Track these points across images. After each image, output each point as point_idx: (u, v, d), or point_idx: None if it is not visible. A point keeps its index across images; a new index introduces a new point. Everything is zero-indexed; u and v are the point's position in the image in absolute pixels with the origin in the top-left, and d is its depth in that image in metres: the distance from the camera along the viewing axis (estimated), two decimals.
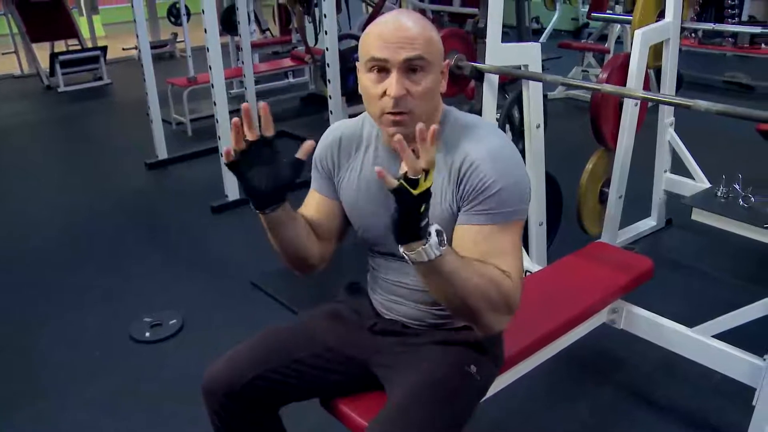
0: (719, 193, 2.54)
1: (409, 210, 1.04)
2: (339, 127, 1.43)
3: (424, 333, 1.41)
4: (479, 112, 2.45)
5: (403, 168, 1.03)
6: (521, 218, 1.25)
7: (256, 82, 5.16)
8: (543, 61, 2.53)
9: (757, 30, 5.31)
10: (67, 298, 2.88)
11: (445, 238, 1.09)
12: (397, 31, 1.18)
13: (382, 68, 1.19)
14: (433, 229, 1.07)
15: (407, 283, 1.38)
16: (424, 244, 1.06)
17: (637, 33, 2.60)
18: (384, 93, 1.19)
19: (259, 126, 1.17)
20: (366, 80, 1.22)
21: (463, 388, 1.32)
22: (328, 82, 3.64)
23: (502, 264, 1.19)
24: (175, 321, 2.62)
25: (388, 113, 1.20)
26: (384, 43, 1.18)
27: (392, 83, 1.18)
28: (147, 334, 2.56)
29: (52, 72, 6.87)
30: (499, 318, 1.20)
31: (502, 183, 1.20)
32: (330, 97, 3.65)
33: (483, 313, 1.17)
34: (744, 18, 6.77)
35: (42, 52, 7.25)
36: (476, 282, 1.13)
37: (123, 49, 8.47)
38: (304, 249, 1.35)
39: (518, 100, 2.67)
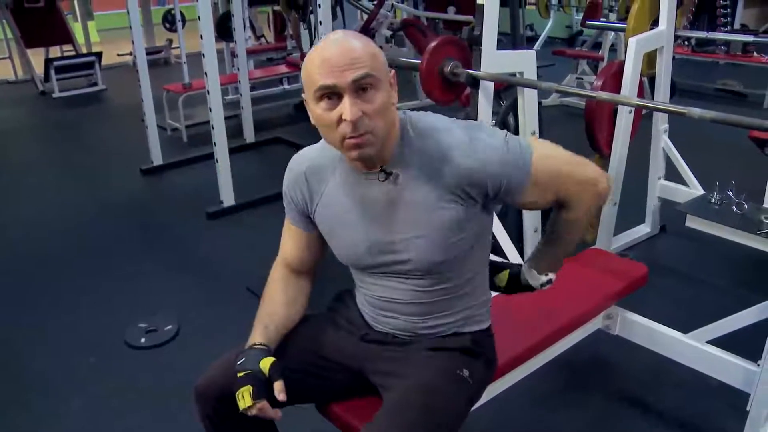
0: (713, 200, 2.56)
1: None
2: (303, 160, 1.38)
3: (415, 341, 1.41)
4: (474, 120, 2.46)
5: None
6: (534, 149, 1.28)
7: (251, 89, 5.17)
8: (537, 68, 2.54)
9: (749, 38, 5.36)
10: (61, 303, 2.87)
11: (539, 266, 1.51)
12: (339, 54, 1.14)
13: (332, 94, 1.15)
14: (534, 280, 1.51)
15: (394, 297, 1.38)
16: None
17: (631, 41, 2.61)
18: (340, 119, 1.15)
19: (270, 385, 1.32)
20: (318, 110, 1.18)
21: (456, 392, 1.32)
22: None
23: (565, 180, 1.32)
24: (170, 327, 2.62)
25: (348, 138, 1.17)
26: (328, 69, 1.13)
27: (346, 107, 1.14)
28: (142, 339, 2.55)
29: (46, 77, 6.85)
30: (601, 193, 1.38)
31: (497, 160, 1.24)
32: None
33: (596, 202, 1.39)
34: (736, 26, 6.82)
35: (37, 57, 7.24)
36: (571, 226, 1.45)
37: (118, 54, 8.46)
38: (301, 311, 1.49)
39: (513, 107, 2.68)
